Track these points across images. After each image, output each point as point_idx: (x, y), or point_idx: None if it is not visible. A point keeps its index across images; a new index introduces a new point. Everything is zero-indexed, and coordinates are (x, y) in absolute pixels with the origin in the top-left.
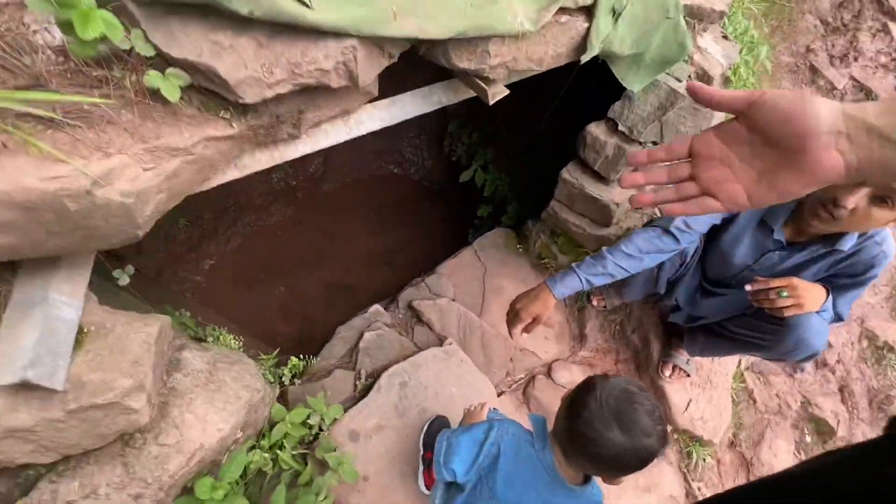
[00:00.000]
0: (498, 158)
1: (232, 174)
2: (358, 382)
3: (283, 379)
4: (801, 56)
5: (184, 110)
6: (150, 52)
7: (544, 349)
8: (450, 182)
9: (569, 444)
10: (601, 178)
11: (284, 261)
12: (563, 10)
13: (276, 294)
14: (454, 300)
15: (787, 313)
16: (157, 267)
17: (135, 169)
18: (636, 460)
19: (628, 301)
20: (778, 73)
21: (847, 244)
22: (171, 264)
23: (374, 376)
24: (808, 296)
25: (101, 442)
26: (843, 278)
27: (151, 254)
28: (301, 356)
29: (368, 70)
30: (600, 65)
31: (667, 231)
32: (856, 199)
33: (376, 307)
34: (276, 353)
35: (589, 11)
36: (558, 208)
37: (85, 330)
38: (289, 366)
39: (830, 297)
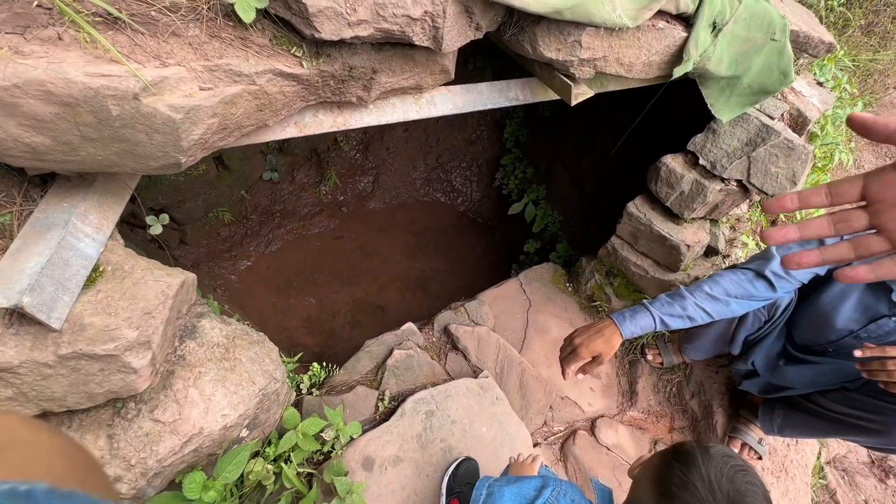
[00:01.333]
0: (550, 195)
1: (290, 131)
2: (380, 403)
3: (301, 387)
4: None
5: (254, 38)
6: None
7: (589, 401)
8: (496, 217)
9: None
10: (673, 216)
11: (320, 273)
12: (661, 14)
13: (306, 304)
14: (494, 330)
15: None
16: (195, 259)
17: (191, 85)
18: None
19: (690, 360)
20: (861, 146)
21: None
22: (209, 259)
23: (399, 399)
24: None
25: (88, 402)
26: None
27: (192, 245)
28: (324, 364)
29: (454, 35)
30: (679, 95)
31: (760, 275)
32: None
33: (410, 325)
34: (297, 357)
35: (688, 21)
36: (619, 245)
37: (101, 268)
38: (309, 373)
39: None
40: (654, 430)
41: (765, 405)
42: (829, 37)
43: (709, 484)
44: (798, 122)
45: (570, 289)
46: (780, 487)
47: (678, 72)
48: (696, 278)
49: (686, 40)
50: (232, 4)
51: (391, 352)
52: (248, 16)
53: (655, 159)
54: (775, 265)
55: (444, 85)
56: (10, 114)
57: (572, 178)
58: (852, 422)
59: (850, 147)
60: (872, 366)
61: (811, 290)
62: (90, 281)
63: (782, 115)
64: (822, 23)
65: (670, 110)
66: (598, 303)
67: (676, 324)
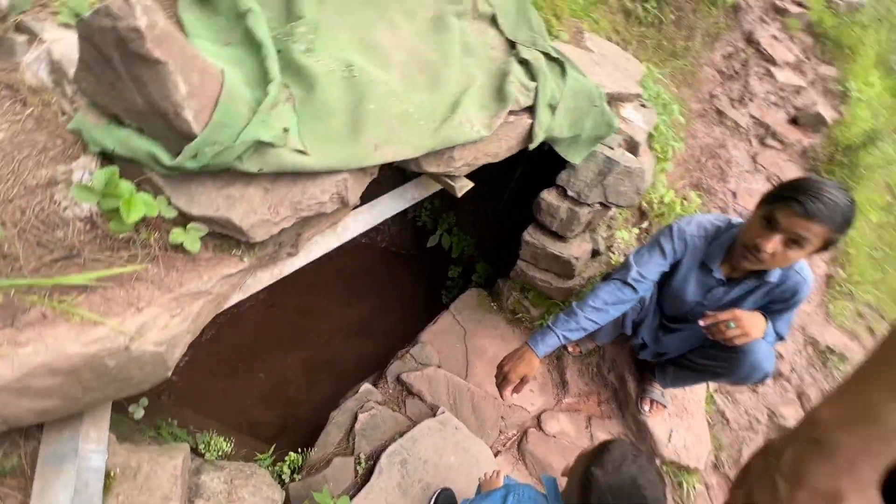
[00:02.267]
0: (461, 221)
1: (237, 297)
2: (358, 467)
3: (284, 477)
4: (707, 101)
5: (202, 255)
6: (173, 214)
7: (531, 402)
8: (417, 246)
9: None
10: (560, 237)
11: (261, 345)
12: (510, 112)
13: (257, 381)
14: (440, 367)
15: (738, 342)
16: None
17: (164, 318)
18: None
19: (601, 344)
20: (691, 121)
21: (773, 276)
22: None
23: (374, 458)
24: (752, 324)
25: None
26: (776, 304)
27: None
28: (299, 450)
29: (356, 191)
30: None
31: (626, 283)
32: (773, 245)
33: (366, 386)
34: (272, 450)
35: (531, 109)
36: (525, 267)
37: (111, 473)
38: (287, 462)
39: (770, 322)
40: (587, 409)
41: (658, 367)
42: (635, 88)
43: (611, 475)
44: (632, 145)
45: (494, 307)
46: (685, 424)
47: (532, 146)
48: (590, 278)
49: (532, 124)
50: (181, 243)
51: (356, 417)
52: (195, 247)
53: (544, 180)
54: (634, 273)
55: (353, 209)
56: (22, 395)
57: (475, 206)
58: (713, 369)
59: (680, 136)
60: (711, 329)
61: (666, 278)
62: (106, 487)
63: (619, 143)
64: (641, 24)
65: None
66: (520, 315)
67: (575, 335)
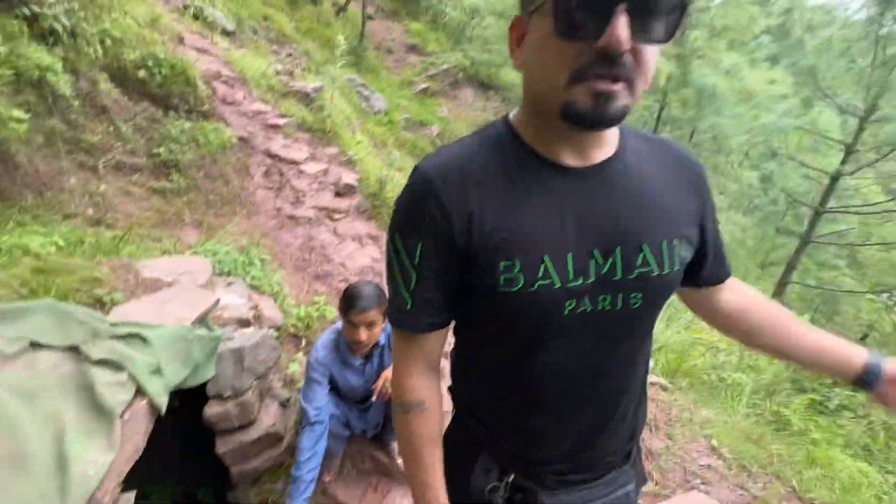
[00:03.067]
0: None
1: None
2: None
3: None
4: (277, 215)
5: None
6: None
7: None
8: None
9: None
10: (249, 425)
11: None
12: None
13: None
14: None
15: None
16: None
17: None
18: None
19: (341, 453)
20: (276, 243)
21: (382, 339)
22: None
23: None
24: None
25: None
26: None
27: None
28: None
29: None
30: None
31: (311, 423)
32: (361, 335)
33: None
34: None
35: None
36: (239, 472)
37: None
38: None
39: None
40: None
41: (385, 434)
42: (211, 282)
43: None
44: (243, 321)
45: None
46: None
47: (164, 410)
48: (295, 422)
49: (150, 399)
50: None
51: None
52: None
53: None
54: (312, 412)
55: None
56: None
57: None
58: None
59: (275, 265)
60: (382, 395)
61: (333, 385)
62: None
63: (234, 329)
64: (178, 195)
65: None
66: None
67: (312, 487)
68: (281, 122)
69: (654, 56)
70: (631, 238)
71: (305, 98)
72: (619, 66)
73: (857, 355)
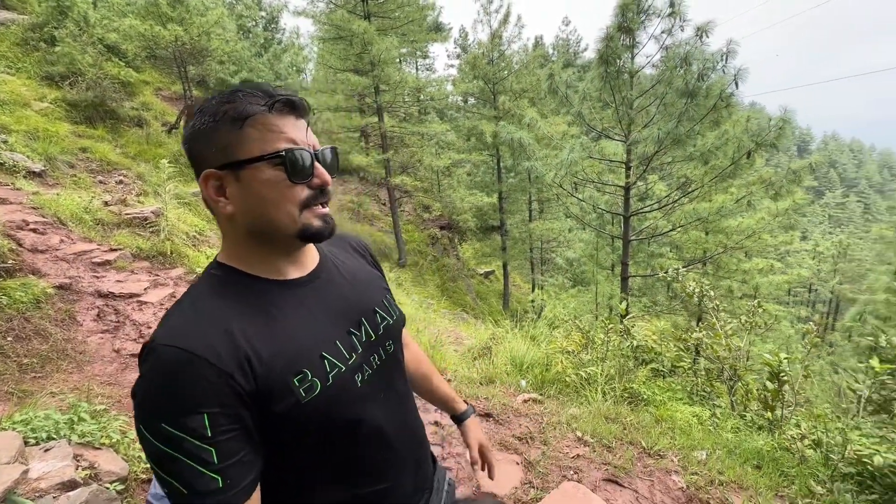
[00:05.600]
0: None
1: None
2: None
3: None
4: (119, 367)
5: None
6: None
7: None
8: None
9: None
10: None
11: None
12: None
13: None
14: None
15: None
16: None
17: None
18: None
19: None
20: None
21: None
22: None
23: None
24: None
25: None
26: None
27: None
28: None
29: None
30: None
31: None
32: None
33: None
34: None
35: None
36: None
37: None
38: None
39: None
40: None
41: None
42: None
43: None
44: (68, 485)
45: None
46: None
47: None
48: None
49: None
50: None
51: None
52: None
53: None
54: None
55: None
56: None
57: None
58: None
59: (112, 413)
60: None
61: None
62: None
63: (57, 497)
64: None
65: None
66: None
67: None
68: (112, 256)
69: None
70: (365, 307)
71: (144, 223)
72: (328, 194)
73: (458, 407)
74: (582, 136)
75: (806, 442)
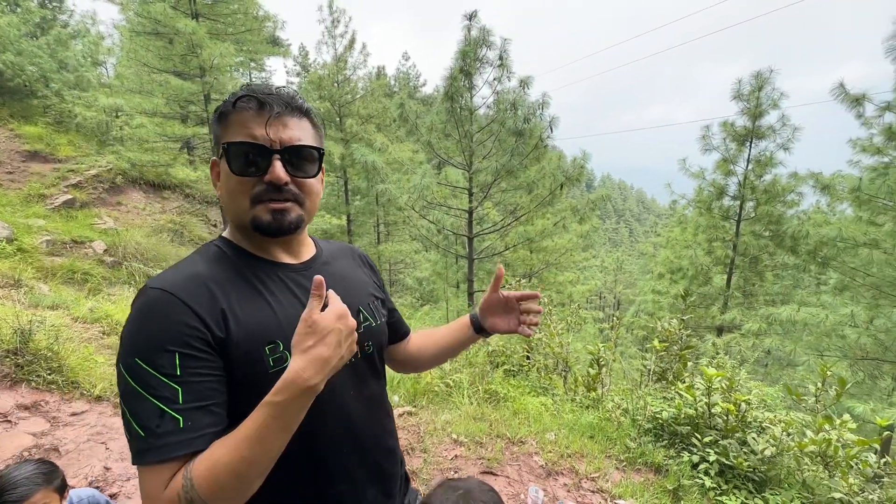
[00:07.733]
0: None
1: None
2: None
3: None
4: None
5: None
6: None
7: None
8: None
9: None
10: None
11: None
12: None
13: None
14: None
15: None
16: None
17: None
18: None
19: None
20: None
21: None
22: None
23: None
24: None
25: None
26: None
27: None
28: None
29: None
30: None
31: None
32: None
33: None
34: None
35: None
36: None
37: None
38: None
39: None
40: None
41: None
42: None
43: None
44: None
45: None
46: None
47: None
48: None
49: None
50: None
51: None
52: None
53: None
54: None
55: None
56: None
57: None
58: None
59: None
60: None
61: None
62: None
63: None
64: None
65: None
66: None
67: None
68: None
69: (316, 182)
70: (349, 303)
71: None
72: (286, 192)
73: (466, 318)
74: (424, 163)
75: (619, 411)
